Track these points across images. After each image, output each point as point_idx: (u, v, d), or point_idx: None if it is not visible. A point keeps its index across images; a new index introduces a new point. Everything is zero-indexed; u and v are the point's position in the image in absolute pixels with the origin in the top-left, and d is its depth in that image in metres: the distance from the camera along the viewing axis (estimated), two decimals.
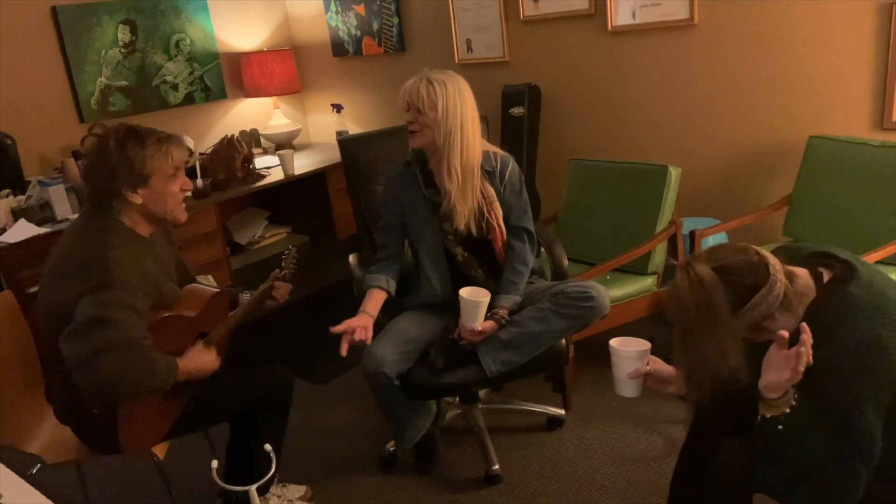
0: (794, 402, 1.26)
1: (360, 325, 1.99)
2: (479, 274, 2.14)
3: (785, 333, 1.23)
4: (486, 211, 2.07)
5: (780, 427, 1.26)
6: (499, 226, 2.09)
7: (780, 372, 1.23)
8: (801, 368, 1.22)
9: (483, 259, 2.14)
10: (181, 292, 1.83)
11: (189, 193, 1.77)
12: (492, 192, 2.09)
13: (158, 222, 1.76)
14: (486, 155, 2.11)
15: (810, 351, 1.22)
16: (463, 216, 2.05)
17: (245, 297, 2.06)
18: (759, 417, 1.29)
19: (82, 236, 1.66)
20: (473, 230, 2.07)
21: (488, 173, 2.10)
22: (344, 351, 1.94)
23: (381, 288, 2.11)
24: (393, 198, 2.16)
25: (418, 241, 2.14)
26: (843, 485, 1.25)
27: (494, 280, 2.13)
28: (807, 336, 1.22)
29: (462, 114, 2.01)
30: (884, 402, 1.24)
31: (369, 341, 1.99)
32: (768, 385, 1.26)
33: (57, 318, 1.56)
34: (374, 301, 2.09)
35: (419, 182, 2.11)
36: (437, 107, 1.98)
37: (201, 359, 1.75)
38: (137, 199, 1.66)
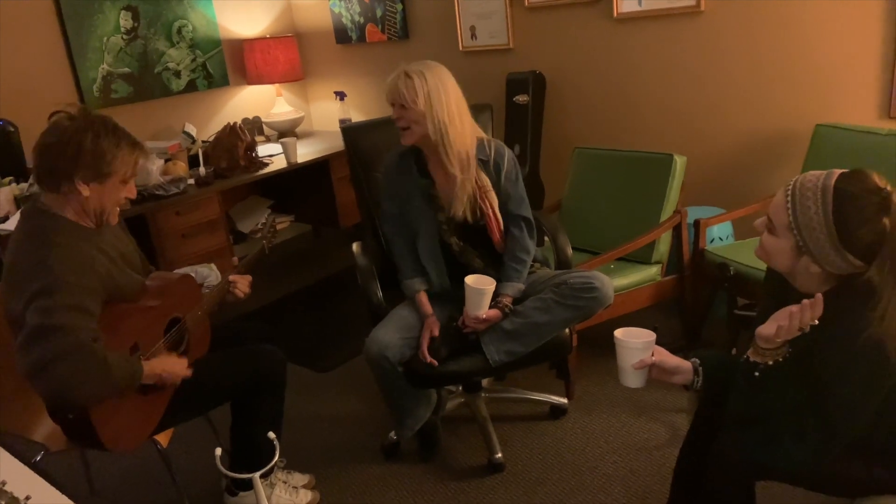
0: (780, 360, 1.28)
1: (433, 328, 2.04)
2: (478, 263, 2.13)
3: (819, 297, 1.23)
4: (479, 198, 2.05)
5: (757, 374, 1.30)
6: (494, 214, 2.07)
7: (768, 325, 1.26)
8: (787, 333, 1.23)
9: (480, 248, 2.13)
10: (144, 284, 1.80)
11: (128, 201, 1.73)
12: (486, 180, 2.07)
13: (94, 221, 1.69)
14: (479, 144, 2.08)
15: (805, 318, 1.22)
16: (462, 202, 2.04)
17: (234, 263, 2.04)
18: (745, 357, 1.33)
19: (24, 239, 1.61)
20: (469, 217, 2.06)
21: (482, 162, 2.07)
22: (429, 357, 1.99)
23: (425, 290, 2.12)
24: (391, 188, 2.15)
25: (416, 231, 2.13)
26: (791, 446, 1.28)
27: (494, 268, 2.12)
28: (810, 303, 1.22)
29: (447, 102, 1.98)
30: (870, 402, 1.25)
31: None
32: (760, 333, 1.28)
33: (16, 328, 1.52)
34: (426, 302, 2.10)
35: (414, 172, 2.10)
36: (419, 99, 1.95)
37: (172, 364, 1.71)
38: (85, 191, 1.60)
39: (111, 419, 1.59)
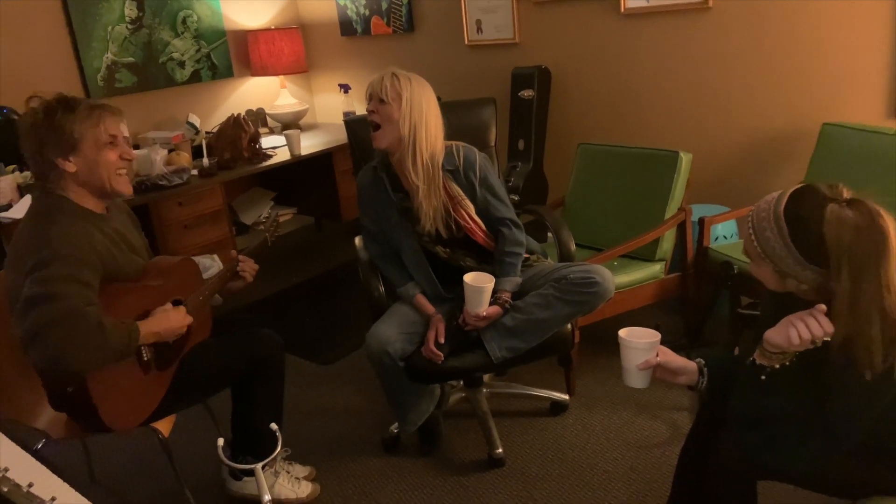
0: (787, 363, 1.28)
1: (440, 324, 2.02)
2: (469, 262, 2.12)
3: (823, 307, 1.23)
4: (451, 210, 2.03)
5: (763, 377, 1.29)
6: (472, 220, 2.05)
7: (780, 332, 1.25)
8: (801, 346, 1.23)
9: (468, 249, 2.11)
10: (146, 265, 1.81)
11: (130, 162, 1.73)
12: (457, 190, 2.03)
13: (104, 195, 1.72)
14: (448, 152, 2.04)
15: (817, 333, 1.21)
16: (429, 217, 2.01)
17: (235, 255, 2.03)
18: (751, 359, 1.32)
19: (28, 218, 1.65)
20: (443, 232, 2.04)
21: (451, 172, 2.04)
22: (436, 354, 1.97)
23: (419, 292, 2.11)
24: (367, 205, 2.13)
25: (398, 246, 2.12)
26: (794, 448, 1.28)
27: (488, 263, 2.11)
28: (819, 316, 1.22)
29: (427, 110, 1.96)
30: (874, 407, 1.25)
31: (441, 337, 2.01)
32: (768, 338, 1.27)
33: (15, 303, 1.54)
34: (426, 303, 2.09)
35: (387, 187, 2.07)
36: (401, 98, 1.93)
37: (167, 318, 1.70)
38: (70, 167, 1.63)
39: (110, 394, 1.59)
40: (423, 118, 1.96)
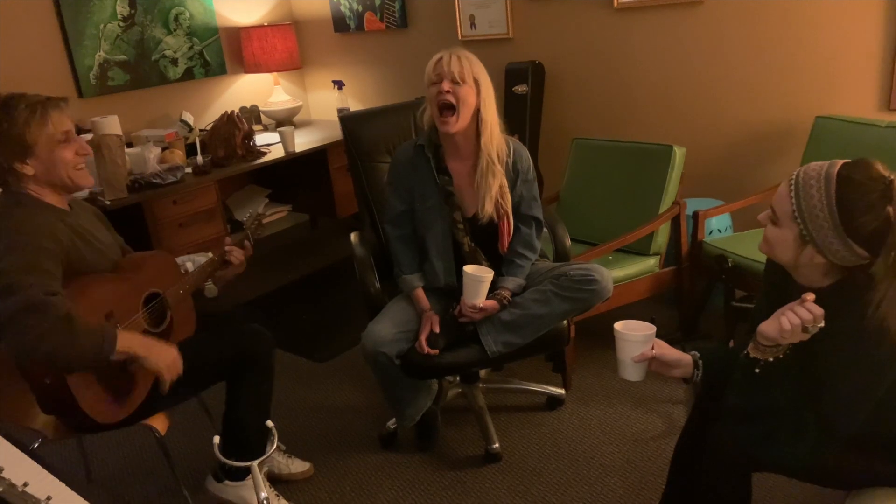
0: (781, 356, 1.28)
1: (434, 322, 2.01)
2: (485, 265, 2.12)
3: (811, 296, 1.24)
4: (500, 197, 2.04)
5: (757, 371, 1.30)
6: (508, 217, 2.05)
7: (771, 324, 1.26)
8: (792, 337, 1.24)
9: (487, 251, 2.11)
10: (119, 261, 1.79)
11: (88, 156, 1.69)
12: (505, 182, 2.05)
13: (66, 190, 1.70)
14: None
15: (807, 320, 1.22)
16: (491, 197, 2.00)
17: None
18: (745, 352, 1.33)
19: None
20: (495, 215, 2.03)
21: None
22: (429, 350, 1.97)
23: (422, 286, 2.10)
24: (402, 183, 2.10)
25: (426, 229, 2.09)
26: (789, 442, 1.29)
27: (498, 271, 2.11)
28: (809, 306, 1.22)
29: (490, 87, 1.99)
30: (870, 399, 1.25)
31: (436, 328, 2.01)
32: (762, 331, 1.28)
33: None
34: (424, 297, 2.08)
35: (431, 168, 2.06)
36: (478, 80, 1.95)
37: (159, 348, 1.65)
38: (29, 171, 1.60)
39: (90, 386, 1.58)
40: (492, 100, 1.99)
